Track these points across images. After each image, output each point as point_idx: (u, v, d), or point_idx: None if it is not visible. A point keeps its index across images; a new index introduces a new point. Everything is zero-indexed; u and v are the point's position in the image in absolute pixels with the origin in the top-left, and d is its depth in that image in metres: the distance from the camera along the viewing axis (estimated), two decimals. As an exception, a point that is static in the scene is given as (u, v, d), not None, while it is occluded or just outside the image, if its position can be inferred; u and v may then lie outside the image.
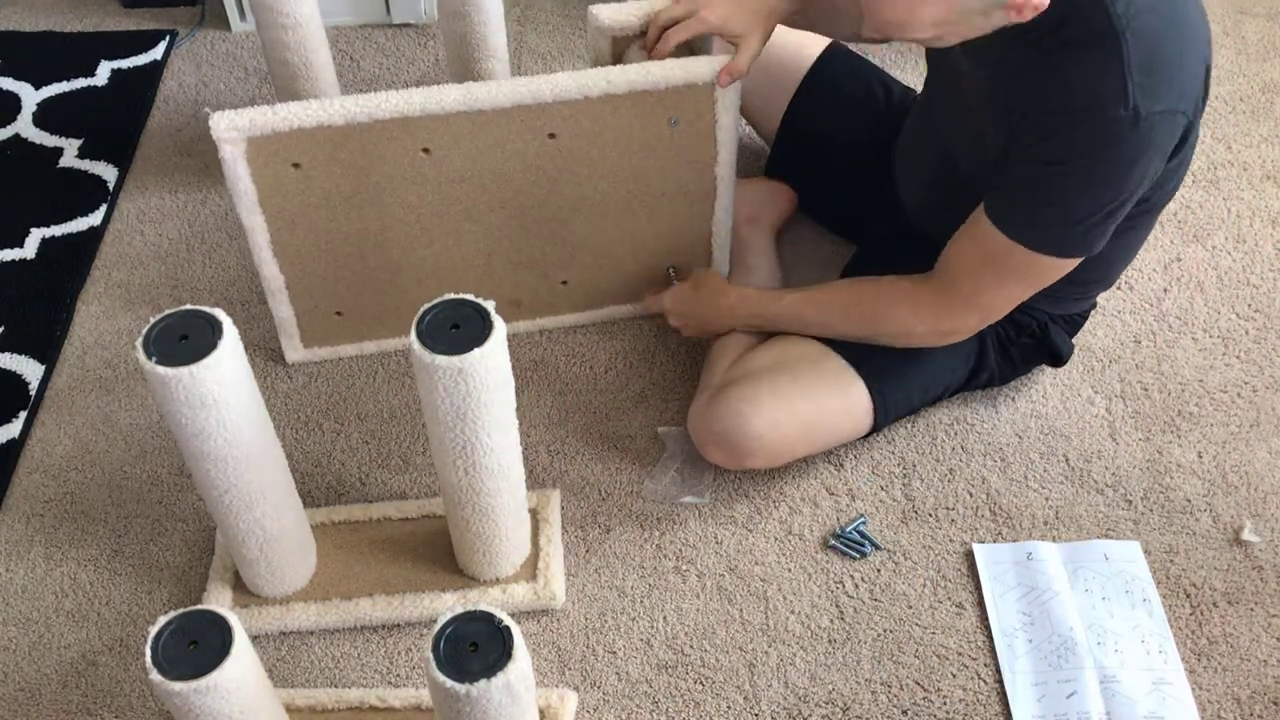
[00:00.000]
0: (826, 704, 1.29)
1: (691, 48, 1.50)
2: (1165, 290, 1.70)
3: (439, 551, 1.37)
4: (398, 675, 1.31)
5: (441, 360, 1.06)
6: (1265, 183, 1.86)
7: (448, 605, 1.32)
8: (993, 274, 1.27)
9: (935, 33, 1.15)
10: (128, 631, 1.35)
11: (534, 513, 1.41)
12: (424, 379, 1.10)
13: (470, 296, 1.11)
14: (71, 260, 1.75)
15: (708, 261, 1.61)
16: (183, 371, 1.04)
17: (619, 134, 1.42)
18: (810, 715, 1.28)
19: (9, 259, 1.76)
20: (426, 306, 1.11)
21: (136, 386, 1.59)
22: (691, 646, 1.33)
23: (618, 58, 1.51)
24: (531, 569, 1.36)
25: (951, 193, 1.38)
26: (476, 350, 1.07)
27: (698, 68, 1.38)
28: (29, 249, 1.78)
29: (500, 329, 1.10)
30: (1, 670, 1.32)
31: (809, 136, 1.68)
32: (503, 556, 1.32)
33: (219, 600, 1.34)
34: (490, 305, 1.11)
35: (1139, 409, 1.56)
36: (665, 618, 1.36)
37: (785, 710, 1.28)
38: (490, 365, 1.09)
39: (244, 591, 1.34)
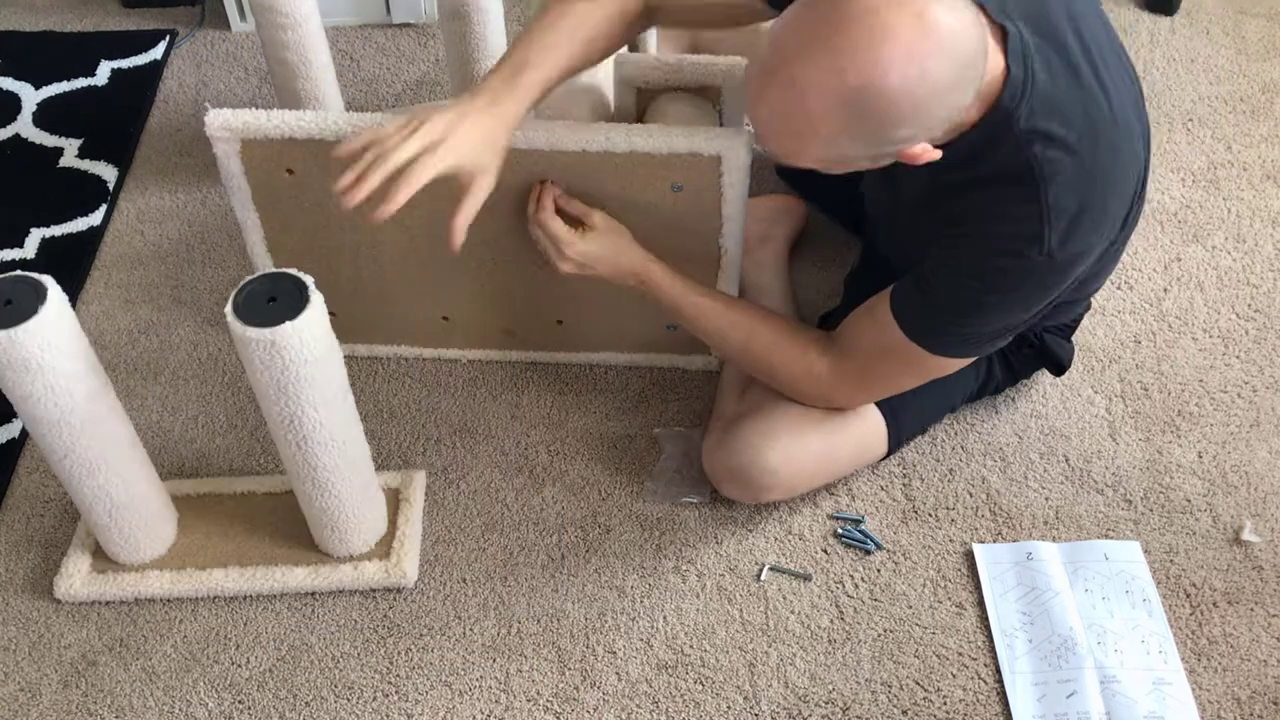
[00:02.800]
0: (826, 704, 1.29)
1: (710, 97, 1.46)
2: (1165, 290, 1.70)
3: (298, 528, 1.39)
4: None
5: (253, 332, 1.08)
6: (1265, 183, 1.86)
7: (299, 580, 1.36)
8: (887, 365, 1.27)
9: (824, 167, 1.09)
10: (128, 631, 1.35)
11: (396, 492, 1.43)
12: (240, 351, 1.12)
13: (292, 271, 1.12)
14: (71, 260, 1.76)
15: None
16: (1, 335, 1.06)
17: (619, 191, 1.34)
18: (810, 715, 1.28)
19: (9, 259, 1.76)
20: (247, 279, 1.12)
21: (137, 386, 1.60)
22: (691, 646, 1.33)
23: (643, 110, 1.48)
24: (386, 547, 1.38)
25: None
26: (289, 324, 1.08)
27: (702, 139, 1.30)
28: (29, 249, 1.78)
29: (317, 302, 1.10)
30: (1, 670, 1.32)
31: None
32: (353, 533, 1.34)
33: (77, 567, 1.36)
34: (309, 280, 1.11)
35: (1139, 409, 1.56)
36: (665, 618, 1.36)
37: (785, 710, 1.28)
38: (307, 339, 1.10)
39: (103, 557, 1.37)
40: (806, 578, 1.38)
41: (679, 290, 1.35)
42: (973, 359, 1.26)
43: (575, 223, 1.33)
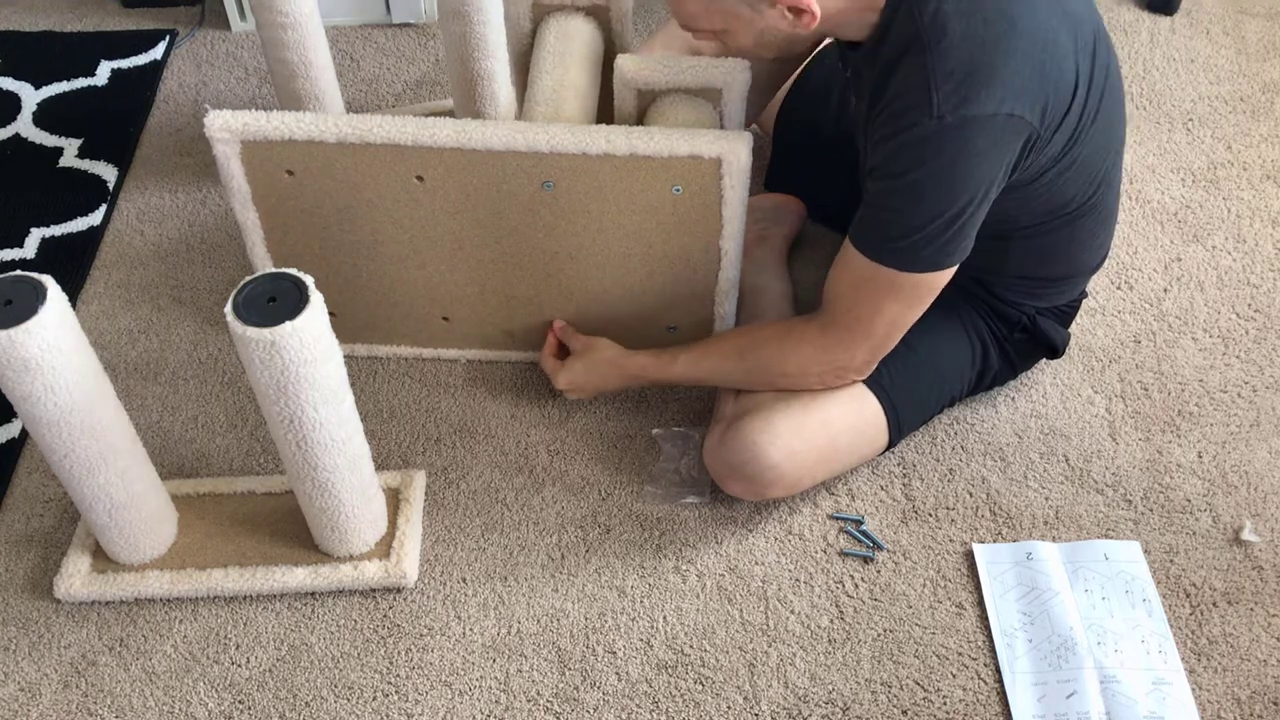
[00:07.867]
0: (826, 704, 1.29)
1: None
2: (1165, 290, 1.70)
3: (298, 527, 1.39)
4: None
5: (253, 332, 1.08)
6: (1265, 183, 1.86)
7: (299, 580, 1.36)
8: (866, 299, 1.26)
9: (719, 26, 1.22)
10: (128, 631, 1.35)
11: (396, 492, 1.43)
12: (240, 351, 1.12)
13: (292, 271, 1.12)
14: (71, 260, 1.76)
15: (709, 326, 1.53)
16: (1, 335, 1.07)
17: (619, 193, 1.36)
18: (810, 715, 1.28)
19: (9, 259, 1.76)
20: (247, 279, 1.12)
21: (136, 385, 1.60)
22: (691, 646, 1.33)
23: (643, 112, 1.49)
24: (386, 547, 1.38)
25: None
26: (289, 324, 1.08)
27: (702, 141, 1.31)
28: (29, 249, 1.78)
29: (317, 302, 1.10)
30: (2, 670, 1.32)
31: (802, 138, 1.68)
32: (353, 533, 1.34)
33: (77, 567, 1.37)
34: (309, 280, 1.11)
35: (1139, 409, 1.56)
36: (665, 618, 1.36)
37: (785, 710, 1.28)
38: (307, 339, 1.10)
39: (103, 557, 1.38)
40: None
41: (666, 360, 1.43)
42: (943, 269, 1.22)
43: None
